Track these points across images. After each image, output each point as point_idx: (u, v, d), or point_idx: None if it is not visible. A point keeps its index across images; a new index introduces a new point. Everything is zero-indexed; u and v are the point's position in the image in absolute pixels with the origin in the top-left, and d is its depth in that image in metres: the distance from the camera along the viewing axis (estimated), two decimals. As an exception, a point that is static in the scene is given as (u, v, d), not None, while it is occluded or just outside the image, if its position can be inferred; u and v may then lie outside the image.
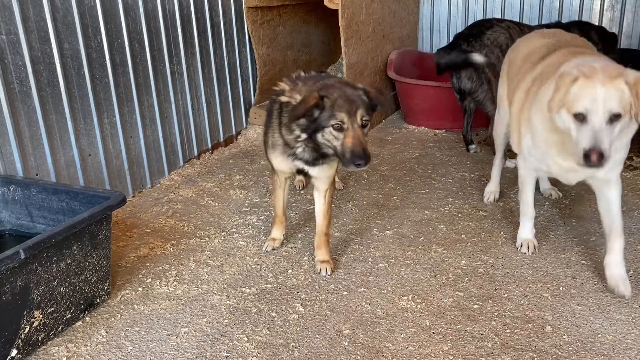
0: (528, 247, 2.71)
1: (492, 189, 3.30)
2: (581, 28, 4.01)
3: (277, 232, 2.83)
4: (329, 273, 2.58)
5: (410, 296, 2.40)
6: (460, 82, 3.90)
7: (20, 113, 2.77)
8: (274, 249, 2.80)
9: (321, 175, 2.49)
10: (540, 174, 2.64)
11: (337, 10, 4.02)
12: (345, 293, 2.45)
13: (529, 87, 2.52)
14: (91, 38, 3.10)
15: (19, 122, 2.76)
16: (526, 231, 2.75)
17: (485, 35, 3.78)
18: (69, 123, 3.02)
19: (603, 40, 4.07)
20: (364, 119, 2.18)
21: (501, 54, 3.74)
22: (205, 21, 3.96)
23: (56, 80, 2.93)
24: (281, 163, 2.50)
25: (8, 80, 2.69)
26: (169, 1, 3.62)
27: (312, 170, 2.46)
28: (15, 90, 2.73)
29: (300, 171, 2.54)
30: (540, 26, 4.10)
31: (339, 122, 2.16)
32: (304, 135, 2.27)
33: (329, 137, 2.19)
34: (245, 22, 4.32)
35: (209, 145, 4.15)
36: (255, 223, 3.11)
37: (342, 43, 4.12)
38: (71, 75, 3.01)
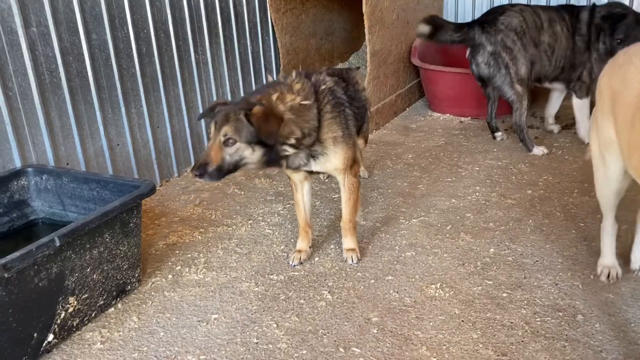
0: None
1: (607, 263, 2.40)
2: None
3: (303, 244, 2.64)
4: (355, 262, 2.58)
5: (439, 284, 2.39)
6: (479, 69, 3.89)
7: (51, 104, 2.82)
8: (301, 263, 2.60)
9: (326, 169, 2.46)
10: None
11: (360, -2, 3.99)
12: (372, 281, 2.45)
13: None
14: (118, 29, 3.13)
15: (50, 113, 2.81)
16: None
17: (499, 21, 3.80)
18: (98, 113, 3.06)
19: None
20: (227, 136, 2.14)
21: (516, 37, 3.75)
22: (229, 10, 3.96)
23: (85, 71, 2.97)
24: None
25: (39, 71, 2.73)
26: (194, -9, 3.63)
27: (315, 167, 2.42)
28: (45, 81, 2.77)
29: (310, 172, 2.51)
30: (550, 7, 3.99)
31: (209, 132, 2.20)
32: None
33: None
34: (268, 10, 4.31)
35: (234, 135, 4.17)
36: (281, 211, 3.13)
37: (366, 30, 4.09)
38: (99, 66, 3.05)
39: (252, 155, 2.18)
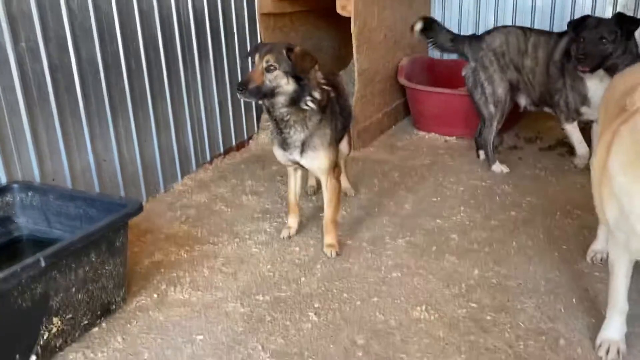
0: (609, 351, 2.07)
1: (598, 248, 2.70)
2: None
3: (292, 220, 3.07)
4: (333, 255, 2.84)
5: (424, 307, 2.41)
6: (465, 81, 4.03)
7: (38, 119, 2.80)
8: (290, 236, 3.03)
9: (313, 166, 2.75)
10: (637, 255, 1.98)
11: (348, 17, 4.04)
12: (358, 303, 2.46)
13: (609, 138, 1.97)
14: (107, 44, 3.13)
15: (37, 128, 2.80)
16: (612, 331, 2.10)
17: (484, 39, 3.94)
18: (85, 128, 3.05)
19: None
20: (269, 63, 2.47)
21: (494, 58, 3.88)
22: (218, 27, 3.98)
23: (73, 86, 2.96)
24: (281, 156, 2.79)
25: (27, 86, 2.72)
26: (184, 7, 3.64)
27: (303, 161, 2.73)
28: (33, 96, 2.76)
29: (298, 164, 2.81)
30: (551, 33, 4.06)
31: (253, 61, 2.55)
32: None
33: None
34: (258, 28, 4.34)
35: (221, 150, 4.17)
36: (268, 230, 3.13)
37: (354, 50, 4.13)
38: (88, 81, 3.04)
39: (287, 85, 2.51)
